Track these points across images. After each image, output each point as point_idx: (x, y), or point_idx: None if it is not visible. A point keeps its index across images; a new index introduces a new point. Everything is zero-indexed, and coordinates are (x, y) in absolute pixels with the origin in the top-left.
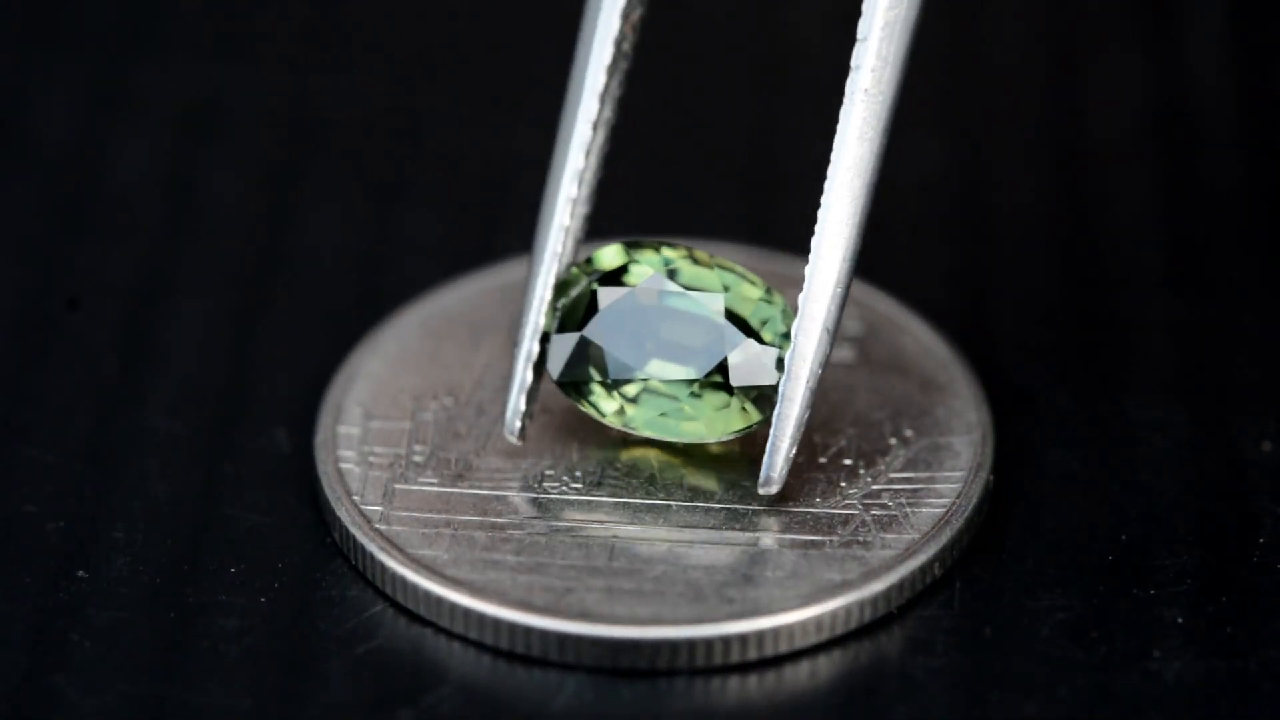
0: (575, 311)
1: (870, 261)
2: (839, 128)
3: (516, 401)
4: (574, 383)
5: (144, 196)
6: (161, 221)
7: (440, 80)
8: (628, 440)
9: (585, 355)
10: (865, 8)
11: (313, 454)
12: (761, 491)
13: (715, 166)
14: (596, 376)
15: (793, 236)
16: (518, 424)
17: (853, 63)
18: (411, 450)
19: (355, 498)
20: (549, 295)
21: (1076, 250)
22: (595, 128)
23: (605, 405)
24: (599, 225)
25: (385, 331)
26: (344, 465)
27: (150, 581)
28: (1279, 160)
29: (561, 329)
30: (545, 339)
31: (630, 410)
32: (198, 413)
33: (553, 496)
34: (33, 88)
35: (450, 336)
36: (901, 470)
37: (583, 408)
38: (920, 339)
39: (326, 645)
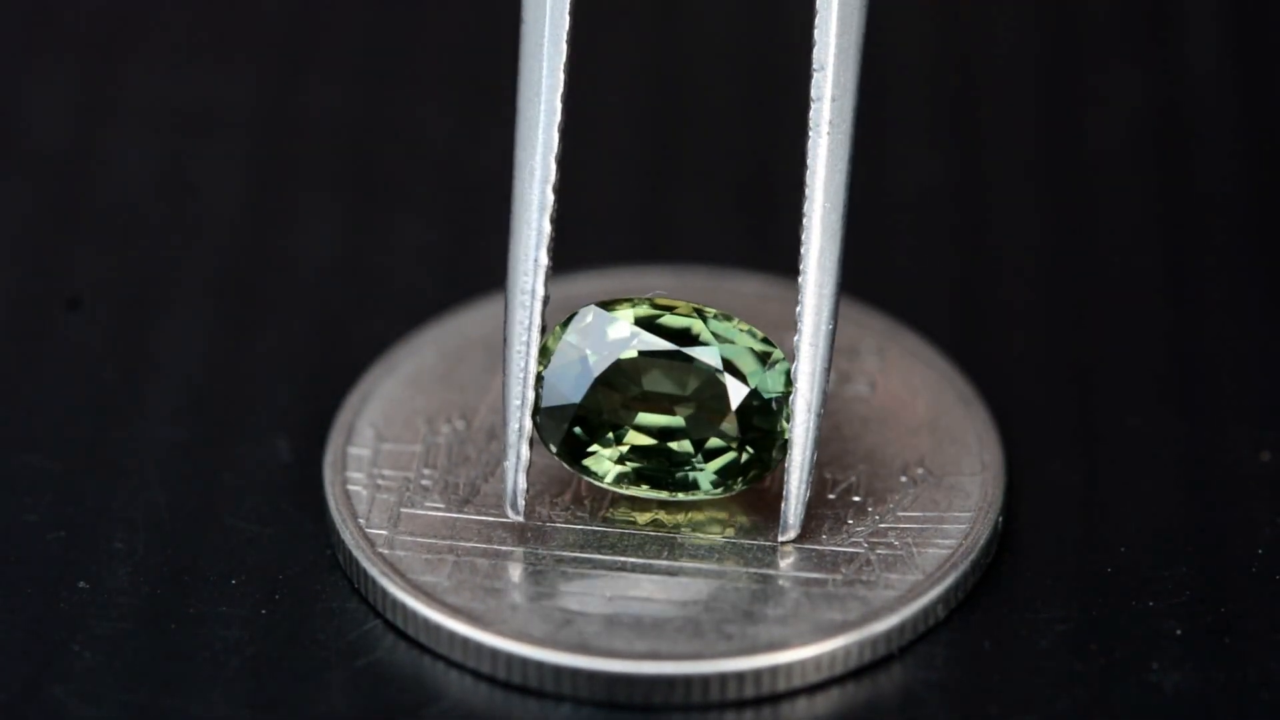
0: (563, 379)
1: (869, 275)
2: (809, 163)
3: (516, 480)
4: (572, 452)
5: (143, 202)
6: (160, 228)
7: (442, 86)
8: None
9: (579, 422)
10: (818, 36)
11: (321, 473)
12: (781, 539)
13: (713, 189)
14: (594, 442)
15: (792, 257)
16: (521, 502)
17: (813, 94)
18: (420, 474)
19: (361, 521)
20: (533, 367)
21: (1075, 260)
22: (548, 191)
23: (606, 470)
24: (599, 254)
25: (401, 351)
26: (352, 487)
27: (151, 592)
28: (1277, 170)
29: (550, 399)
30: (535, 411)
31: (632, 472)
32: (198, 422)
33: (557, 525)
34: (30, 92)
35: (466, 358)
36: (910, 509)
37: (584, 476)
38: (939, 373)
39: (326, 657)
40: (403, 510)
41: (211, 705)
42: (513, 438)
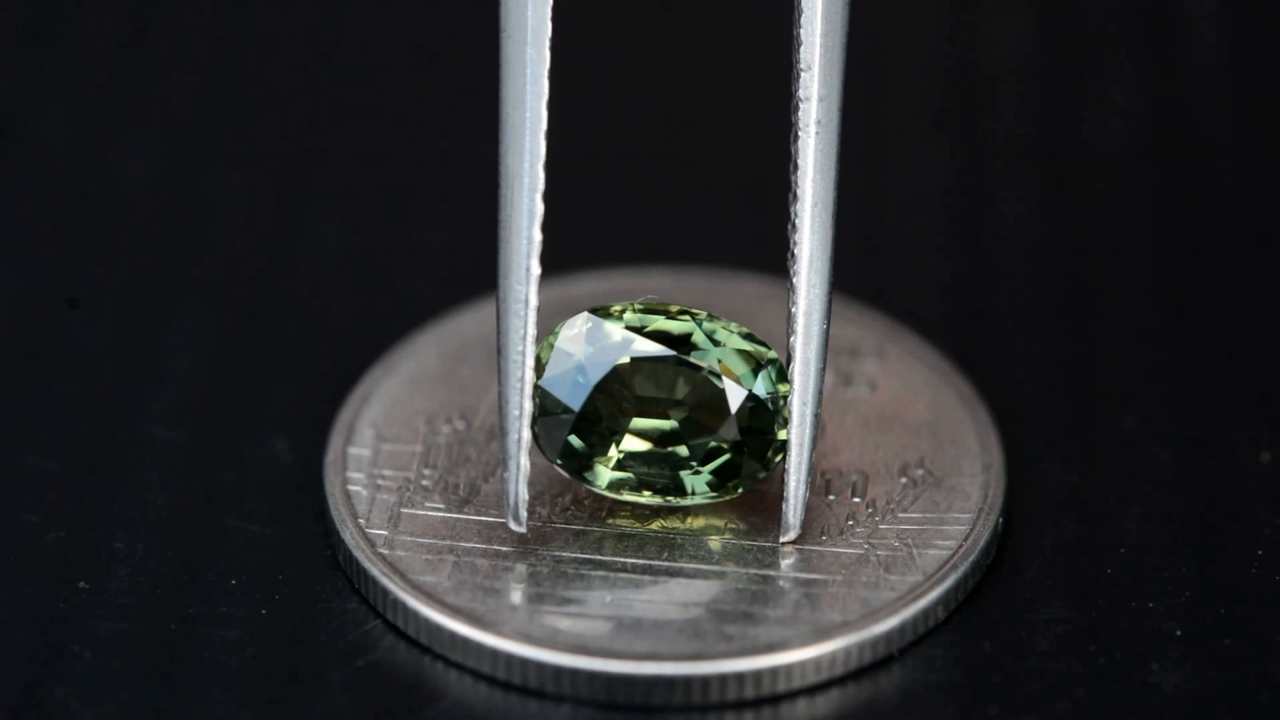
0: (559, 388)
1: (869, 275)
2: (799, 164)
3: (519, 491)
4: (572, 461)
5: (146, 202)
6: (163, 228)
7: (444, 85)
8: None
9: (577, 430)
10: (804, 35)
11: (321, 473)
12: (782, 540)
13: (713, 189)
14: (592, 449)
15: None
16: (523, 513)
17: (801, 94)
18: (420, 474)
19: (361, 521)
20: (530, 376)
21: (1074, 260)
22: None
23: (606, 478)
24: (598, 254)
25: (401, 351)
26: (352, 487)
27: (151, 592)
28: (1275, 170)
29: (546, 409)
30: (533, 421)
31: (631, 478)
32: (198, 422)
33: (557, 526)
34: (33, 90)
35: (466, 358)
36: (910, 510)
37: (584, 484)
38: (939, 374)
39: (326, 657)
40: (403, 510)
41: (211, 705)
42: (512, 449)
